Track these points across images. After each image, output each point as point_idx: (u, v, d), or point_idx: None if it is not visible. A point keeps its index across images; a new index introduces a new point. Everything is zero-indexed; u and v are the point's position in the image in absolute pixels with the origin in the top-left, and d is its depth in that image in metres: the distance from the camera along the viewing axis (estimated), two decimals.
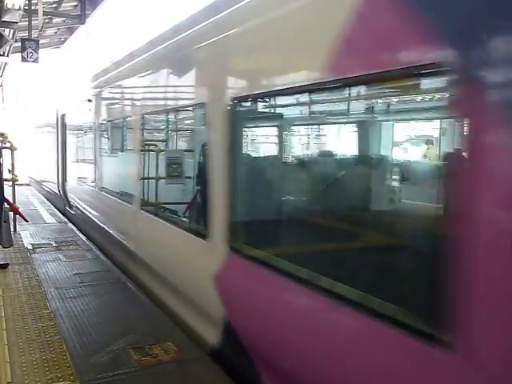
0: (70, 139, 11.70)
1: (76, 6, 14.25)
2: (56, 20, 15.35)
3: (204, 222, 4.47)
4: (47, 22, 14.85)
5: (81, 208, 10.39)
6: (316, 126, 5.45)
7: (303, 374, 3.07)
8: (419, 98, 4.19)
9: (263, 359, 3.61)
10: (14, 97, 27.33)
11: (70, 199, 11.70)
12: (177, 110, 5.93)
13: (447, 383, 2.19)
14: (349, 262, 3.13)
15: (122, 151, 8.14)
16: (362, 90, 3.41)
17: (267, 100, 4.03)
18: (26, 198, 14.49)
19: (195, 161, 5.30)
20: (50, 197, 14.57)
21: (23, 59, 12.52)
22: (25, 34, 12.99)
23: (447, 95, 2.39)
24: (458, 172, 2.17)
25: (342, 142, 5.27)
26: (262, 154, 5.93)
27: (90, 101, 9.02)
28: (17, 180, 9.49)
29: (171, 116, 6.45)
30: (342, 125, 5.21)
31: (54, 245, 8.27)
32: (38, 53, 12.56)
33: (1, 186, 6.65)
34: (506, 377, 1.94)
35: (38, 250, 7.89)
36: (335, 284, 2.90)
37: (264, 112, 4.37)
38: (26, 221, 9.01)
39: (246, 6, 3.72)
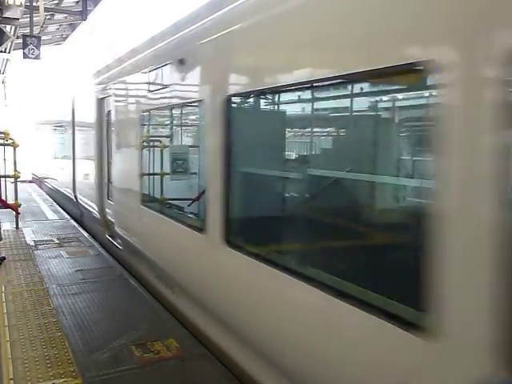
0: None
1: (77, 2, 14.18)
2: (57, 16, 15.27)
3: None
4: (49, 19, 14.76)
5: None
6: None
7: None
8: None
9: None
10: (17, 93, 27.34)
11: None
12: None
13: None
14: None
15: None
16: None
17: None
18: (29, 194, 14.53)
19: None
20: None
21: (25, 56, 12.48)
22: (26, 31, 12.95)
23: None
24: None
25: None
26: None
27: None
28: (19, 177, 9.51)
29: None
30: None
31: (56, 241, 8.28)
32: (39, 49, 12.51)
33: None
34: None
35: (40, 246, 7.90)
36: None
37: None
38: (18, 213, 9.29)
39: None
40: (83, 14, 13.47)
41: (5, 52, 13.94)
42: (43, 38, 13.96)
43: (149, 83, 5.70)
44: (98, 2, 13.72)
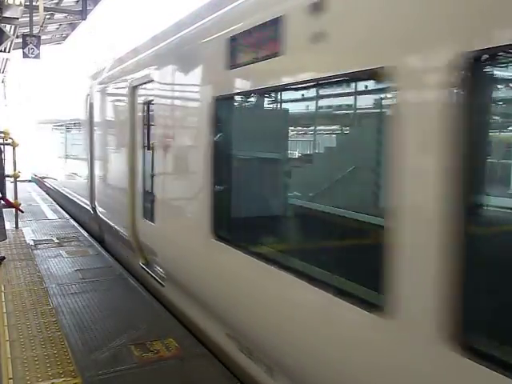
0: None
1: (77, 1, 14.16)
2: (57, 16, 15.26)
3: None
4: (48, 18, 14.74)
5: None
6: None
7: None
8: None
9: None
10: (17, 93, 27.36)
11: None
12: None
13: None
14: None
15: None
16: None
17: None
18: (28, 193, 14.52)
19: None
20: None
21: (24, 55, 12.47)
22: (26, 30, 12.95)
23: None
24: None
25: None
26: None
27: None
28: (19, 176, 9.52)
29: None
30: None
31: (56, 241, 8.28)
32: (39, 49, 12.51)
33: (1, 182, 6.70)
34: None
35: (39, 246, 7.90)
36: None
37: None
38: (22, 212, 9.33)
39: None
40: (83, 14, 13.45)
41: (4, 51, 13.95)
42: (43, 37, 13.93)
43: (235, 51, 3.66)
44: (98, 2, 13.69)
